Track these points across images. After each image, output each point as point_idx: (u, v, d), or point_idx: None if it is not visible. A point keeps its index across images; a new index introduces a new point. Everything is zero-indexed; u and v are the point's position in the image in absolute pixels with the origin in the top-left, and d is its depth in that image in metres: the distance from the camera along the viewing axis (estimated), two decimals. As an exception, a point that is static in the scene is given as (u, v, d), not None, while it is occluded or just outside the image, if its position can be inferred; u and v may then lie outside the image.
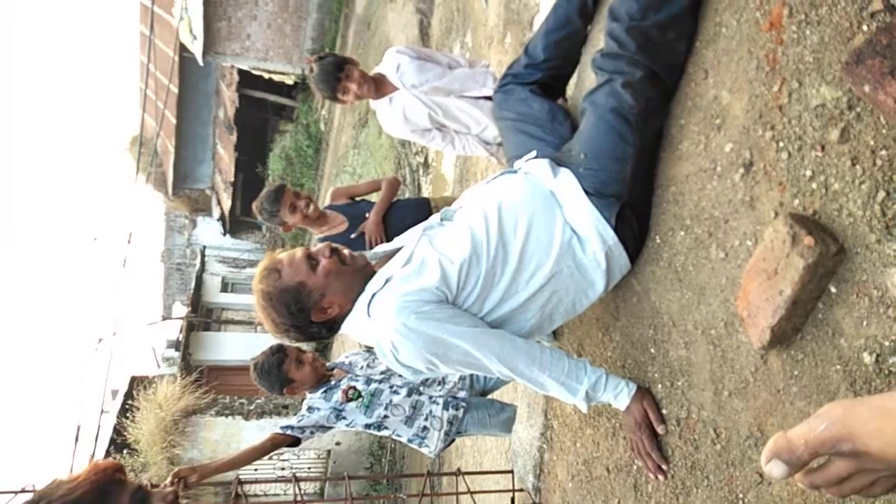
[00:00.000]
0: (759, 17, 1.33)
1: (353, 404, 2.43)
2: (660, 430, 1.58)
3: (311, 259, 1.63)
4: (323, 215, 2.99)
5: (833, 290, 1.15)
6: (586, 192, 1.60)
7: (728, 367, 1.38)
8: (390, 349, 1.55)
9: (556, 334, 2.19)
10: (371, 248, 2.80)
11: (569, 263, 1.61)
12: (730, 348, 1.37)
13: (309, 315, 1.62)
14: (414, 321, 1.50)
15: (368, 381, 2.47)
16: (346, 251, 1.69)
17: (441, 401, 2.47)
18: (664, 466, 1.57)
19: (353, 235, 2.94)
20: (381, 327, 1.54)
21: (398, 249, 1.75)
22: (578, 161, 1.63)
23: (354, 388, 2.45)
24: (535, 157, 1.76)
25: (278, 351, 2.50)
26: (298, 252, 1.64)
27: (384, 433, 2.48)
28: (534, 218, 1.62)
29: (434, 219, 1.78)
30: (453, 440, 2.54)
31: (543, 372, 1.56)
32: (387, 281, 1.60)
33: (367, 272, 1.68)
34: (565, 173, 1.65)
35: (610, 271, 1.65)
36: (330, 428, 2.49)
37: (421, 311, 1.52)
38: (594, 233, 1.60)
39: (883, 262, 1.06)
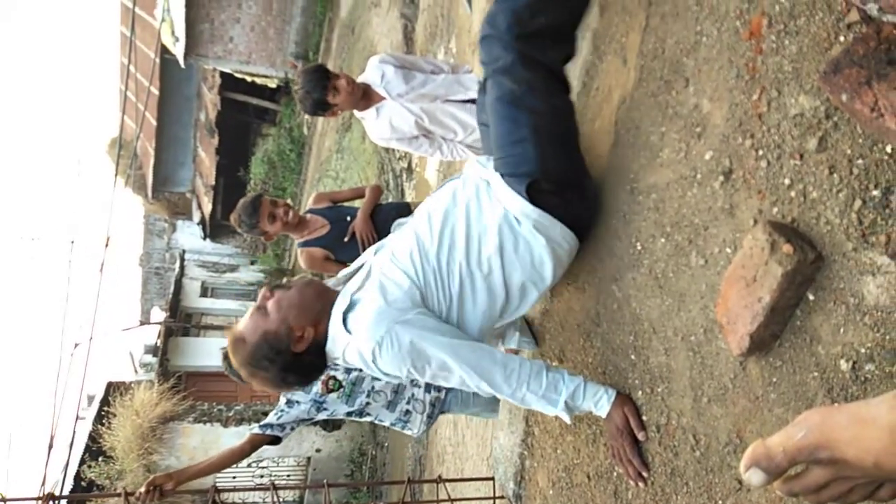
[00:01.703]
0: (738, 27, 1.34)
1: (333, 395, 2.40)
2: (640, 436, 1.57)
3: (261, 309, 1.66)
4: (303, 220, 2.98)
5: (811, 297, 1.16)
6: (502, 175, 1.69)
7: (707, 374, 1.38)
8: (371, 357, 1.57)
9: (537, 340, 2.19)
10: (364, 247, 2.80)
11: (509, 237, 1.67)
12: (709, 355, 1.38)
13: (290, 351, 1.63)
14: (397, 329, 1.55)
15: (348, 371, 2.45)
16: (292, 280, 1.73)
17: (423, 383, 2.47)
18: (645, 473, 1.57)
19: (345, 238, 2.93)
20: (363, 337, 1.57)
21: (356, 271, 1.80)
22: (495, 153, 1.73)
23: (335, 378, 2.43)
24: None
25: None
26: (250, 311, 1.68)
27: (366, 419, 2.48)
28: (470, 204, 1.72)
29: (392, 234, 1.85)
30: (436, 419, 2.54)
31: (522, 385, 1.57)
32: (352, 298, 1.65)
33: (322, 289, 1.72)
34: (490, 164, 1.75)
35: (552, 245, 1.69)
36: (311, 420, 2.47)
37: (403, 319, 1.56)
38: (518, 209, 1.66)
39: (860, 269, 1.07)
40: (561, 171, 1.71)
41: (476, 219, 1.70)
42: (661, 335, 1.53)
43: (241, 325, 1.67)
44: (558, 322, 2.06)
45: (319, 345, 1.66)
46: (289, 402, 2.43)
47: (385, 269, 1.70)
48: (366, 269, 1.75)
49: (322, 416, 2.42)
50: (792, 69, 1.20)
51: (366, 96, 2.73)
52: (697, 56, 1.46)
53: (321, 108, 2.71)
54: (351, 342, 1.60)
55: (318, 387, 2.42)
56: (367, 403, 2.41)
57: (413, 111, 2.70)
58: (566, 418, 1.60)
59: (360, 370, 2.44)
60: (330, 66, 2.88)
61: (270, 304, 1.65)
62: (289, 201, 2.98)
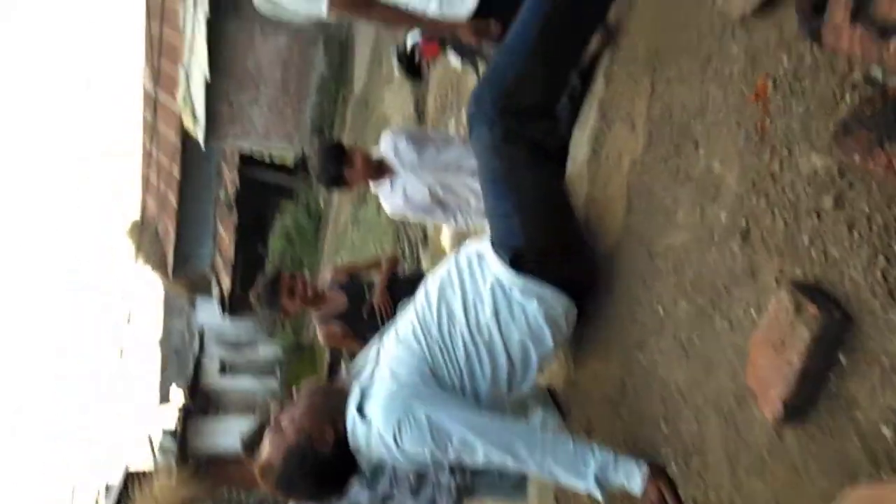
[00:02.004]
0: (744, 89, 1.35)
1: (356, 487, 2.33)
2: None
3: (276, 430, 1.65)
4: (322, 295, 2.98)
5: (843, 359, 1.11)
6: (492, 244, 1.76)
7: (743, 444, 1.32)
8: (394, 442, 1.55)
9: (563, 412, 2.13)
10: (382, 320, 2.79)
11: (503, 301, 1.71)
12: (743, 423, 1.32)
13: (318, 457, 1.61)
14: (412, 408, 1.55)
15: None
16: (298, 392, 1.74)
17: (447, 468, 2.39)
18: None
19: (364, 314, 2.93)
20: (382, 422, 1.56)
21: (365, 363, 1.82)
22: (488, 224, 1.81)
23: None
24: None
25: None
26: (268, 436, 1.67)
27: None
28: (464, 275, 1.78)
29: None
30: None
31: (547, 456, 1.52)
32: (363, 391, 1.65)
33: (328, 391, 1.74)
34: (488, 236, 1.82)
35: (544, 307, 1.70)
36: None
37: (417, 397, 1.57)
38: (506, 277, 1.71)
39: (890, 329, 1.03)
40: (547, 241, 1.76)
41: (471, 288, 1.75)
42: (691, 404, 1.48)
43: (263, 453, 1.65)
44: (584, 392, 2.01)
45: (342, 444, 1.64)
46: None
47: (392, 352, 1.72)
48: (374, 358, 1.77)
49: None
50: (801, 129, 1.20)
51: (380, 170, 2.80)
52: (705, 119, 1.47)
53: (337, 182, 2.79)
54: (372, 431, 1.58)
55: None
56: (391, 496, 2.34)
57: (427, 182, 2.75)
58: (598, 495, 1.53)
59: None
60: (345, 140, 2.98)
61: (285, 421, 1.65)
62: (307, 276, 2.98)
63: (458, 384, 1.68)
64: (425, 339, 1.69)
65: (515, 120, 1.67)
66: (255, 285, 2.94)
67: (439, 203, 2.86)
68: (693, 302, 1.48)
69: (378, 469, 2.36)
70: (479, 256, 1.80)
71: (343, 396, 1.68)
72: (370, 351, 1.86)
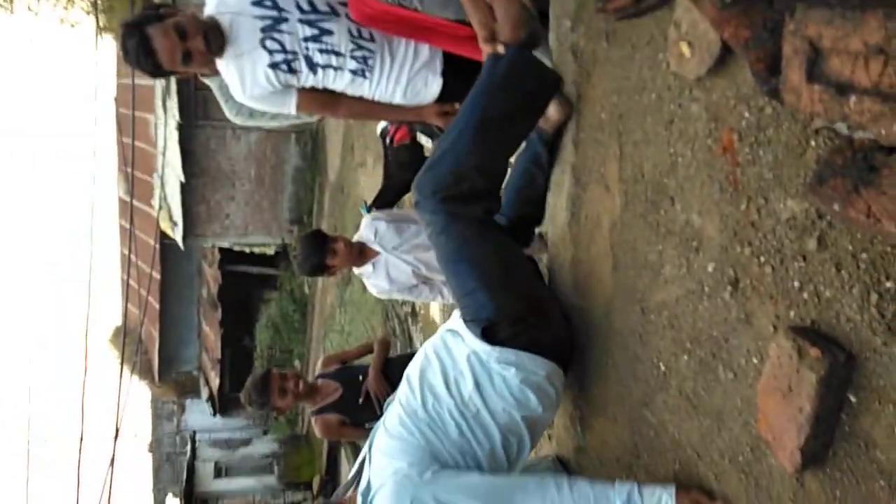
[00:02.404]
0: (710, 144, 1.39)
1: None
2: None
3: None
4: (314, 387, 2.93)
5: (853, 399, 1.10)
6: (464, 321, 1.79)
7: (765, 497, 1.29)
8: None
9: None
10: (380, 404, 2.74)
11: (482, 373, 1.72)
12: (762, 475, 1.29)
13: None
14: (420, 494, 1.53)
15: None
16: None
17: None
18: None
19: (360, 400, 2.87)
20: None
21: (358, 474, 1.81)
22: (458, 304, 1.85)
23: None
24: None
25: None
26: None
27: None
28: (441, 354, 1.82)
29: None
30: None
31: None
32: (366, 499, 1.63)
33: None
34: (458, 313, 1.85)
35: (524, 374, 1.71)
36: None
37: (421, 482, 1.55)
38: (480, 349, 1.73)
39: (895, 363, 1.03)
40: (517, 306, 1.78)
41: (450, 365, 1.78)
42: (706, 460, 1.44)
43: None
44: (595, 458, 1.95)
45: None
46: None
47: (384, 448, 1.71)
48: (367, 462, 1.75)
49: None
50: (773, 176, 1.23)
51: (362, 254, 2.82)
52: (677, 175, 1.51)
53: (320, 270, 2.78)
54: None
55: None
56: None
57: (409, 262, 2.76)
58: None
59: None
60: (324, 226, 3.01)
61: None
62: (297, 371, 2.93)
63: (459, 461, 1.67)
64: (414, 424, 1.70)
65: (455, 204, 1.74)
66: (246, 387, 2.88)
67: (424, 281, 2.86)
68: (693, 354, 1.47)
69: None
70: (454, 333, 1.83)
71: None
72: (363, 455, 1.83)
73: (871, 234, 1.02)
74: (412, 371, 1.85)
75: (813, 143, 1.14)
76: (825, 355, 1.08)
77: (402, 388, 1.83)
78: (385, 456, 1.68)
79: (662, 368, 1.59)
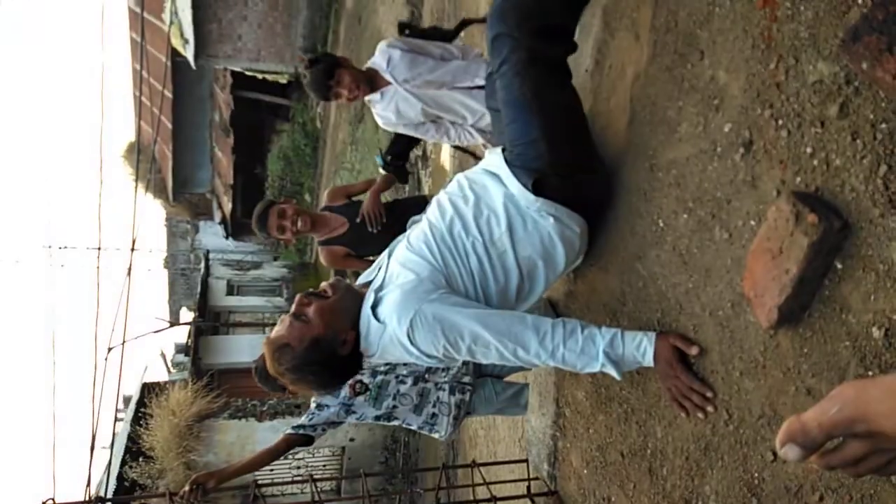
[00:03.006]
0: (752, -5, 1.31)
1: (361, 398, 2.45)
2: (693, 351, 1.49)
3: (300, 317, 1.69)
4: (320, 219, 2.97)
5: (839, 266, 1.15)
6: (511, 165, 1.75)
7: (738, 348, 1.38)
8: (408, 340, 1.61)
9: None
10: (373, 227, 2.82)
11: (517, 217, 1.73)
12: (738, 329, 1.37)
13: (335, 356, 1.69)
14: (425, 306, 1.60)
15: (374, 374, 2.49)
16: (322, 285, 1.78)
17: (447, 386, 2.50)
18: (709, 394, 1.46)
19: (357, 219, 2.92)
20: (396, 322, 1.62)
21: (377, 272, 1.85)
22: (508, 147, 1.78)
23: (361, 381, 2.47)
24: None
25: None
26: (287, 320, 1.71)
27: (394, 423, 2.51)
28: (476, 189, 1.80)
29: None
30: (462, 421, 2.57)
31: (558, 346, 1.57)
32: (377, 295, 1.70)
33: (353, 292, 1.78)
34: (500, 154, 1.80)
35: (560, 226, 1.74)
36: (341, 423, 2.52)
37: (430, 298, 1.62)
38: (524, 197, 1.72)
39: (888, 235, 1.06)
40: (571, 161, 1.75)
41: (485, 203, 1.77)
42: (688, 312, 1.53)
43: (281, 333, 1.69)
44: (583, 303, 2.06)
45: (356, 348, 1.72)
46: (318, 406, 2.48)
47: (403, 260, 1.75)
48: (385, 266, 1.80)
49: (351, 419, 2.47)
50: (809, 35, 1.18)
51: (372, 81, 2.72)
52: (711, 27, 1.44)
53: (328, 95, 2.72)
54: (386, 332, 1.64)
55: (345, 390, 2.46)
56: (394, 407, 2.45)
57: (420, 97, 2.68)
58: (614, 373, 1.56)
59: (385, 373, 2.48)
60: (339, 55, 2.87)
61: (311, 312, 1.69)
62: (297, 206, 2.93)
63: (470, 292, 1.73)
64: (437, 246, 1.73)
65: (540, 41, 1.62)
66: (253, 215, 2.93)
67: (433, 120, 2.80)
68: (693, 213, 1.50)
69: (382, 388, 2.46)
70: (492, 174, 1.81)
71: (356, 297, 1.75)
72: (379, 262, 1.89)
73: (894, 96, 1.00)
74: (443, 196, 1.86)
75: (860, 1, 1.07)
76: (821, 221, 1.11)
77: (432, 211, 1.85)
78: (402, 267, 1.73)
79: (661, 225, 1.62)
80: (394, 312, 1.62)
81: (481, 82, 2.63)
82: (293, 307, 1.72)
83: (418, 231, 1.82)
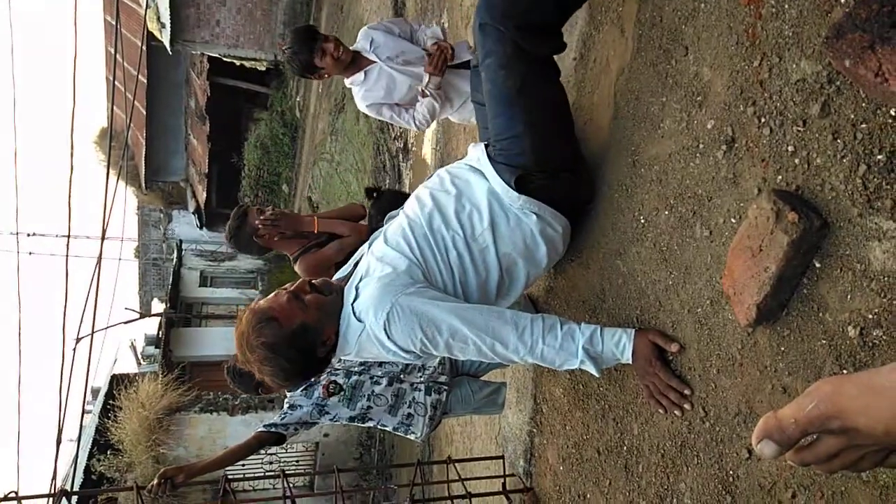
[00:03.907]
0: (737, -8, 1.31)
1: (335, 399, 2.42)
2: (673, 348, 1.49)
3: (299, 298, 1.63)
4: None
5: (817, 265, 1.15)
6: (494, 161, 1.72)
7: (715, 345, 1.38)
8: (385, 335, 1.57)
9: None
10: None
11: (500, 213, 1.71)
12: (716, 326, 1.38)
13: (315, 353, 1.64)
14: (402, 299, 1.57)
15: (349, 374, 2.46)
16: (320, 281, 1.72)
17: (423, 386, 2.47)
18: (686, 391, 1.47)
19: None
20: (372, 317, 1.58)
21: (355, 267, 1.82)
22: (492, 142, 1.75)
23: (335, 382, 2.44)
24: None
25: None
26: (283, 295, 1.63)
27: (369, 424, 2.48)
28: (458, 183, 1.77)
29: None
30: (439, 422, 2.55)
31: (537, 341, 1.55)
32: (357, 289, 1.66)
33: (341, 292, 1.73)
34: (483, 149, 1.77)
35: (542, 224, 1.72)
36: (314, 423, 2.48)
37: (407, 291, 1.59)
38: (506, 195, 1.70)
39: (865, 235, 1.06)
40: (555, 159, 1.73)
41: (467, 198, 1.74)
42: (667, 309, 1.53)
43: (275, 305, 1.61)
44: (563, 299, 2.06)
45: (333, 349, 1.68)
46: (291, 406, 2.44)
47: (380, 254, 1.72)
48: (364, 262, 1.77)
49: (325, 420, 2.43)
50: (793, 34, 1.18)
51: (354, 63, 2.68)
52: (696, 23, 1.43)
53: (308, 69, 2.65)
54: (364, 331, 1.61)
55: (318, 391, 2.42)
56: (369, 408, 2.42)
57: (407, 74, 2.66)
58: (592, 370, 1.55)
59: (360, 373, 2.45)
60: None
61: (310, 299, 1.63)
62: (274, 215, 2.67)
63: (449, 287, 1.70)
64: (416, 240, 1.69)
65: (526, 37, 1.58)
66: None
67: (413, 99, 2.75)
68: (675, 210, 1.50)
69: (357, 388, 2.43)
70: (476, 170, 1.78)
71: (342, 299, 1.70)
72: (357, 257, 1.86)
73: (875, 95, 1.00)
74: (423, 191, 1.82)
75: (842, 0, 1.08)
76: (801, 220, 1.11)
77: (411, 205, 1.81)
78: (379, 261, 1.70)
79: (642, 221, 1.62)
80: (370, 306, 1.59)
81: (467, 58, 2.61)
82: (293, 285, 1.66)
83: (396, 225, 1.79)
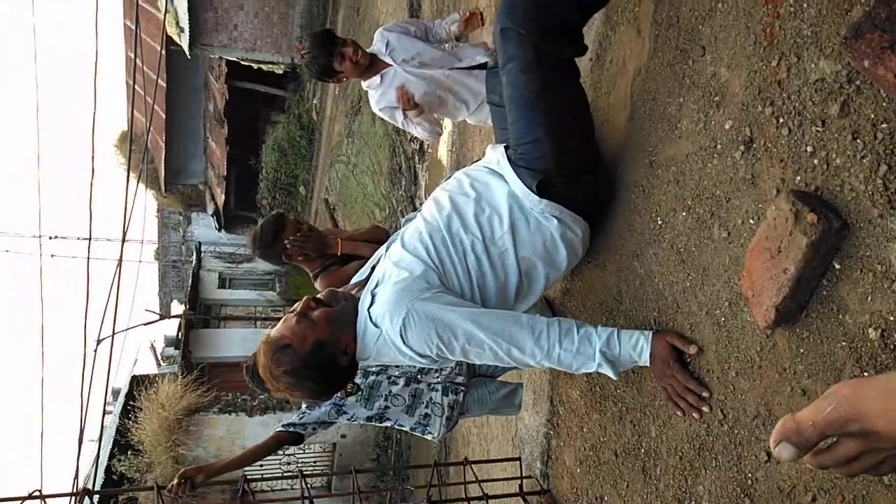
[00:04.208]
0: (755, -9, 1.30)
1: (352, 398, 2.43)
2: (691, 350, 1.47)
3: (306, 318, 1.63)
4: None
5: (837, 266, 1.14)
6: (515, 165, 1.71)
7: (734, 348, 1.37)
8: (401, 340, 1.57)
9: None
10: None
11: (520, 217, 1.70)
12: (735, 328, 1.37)
13: (335, 363, 1.64)
14: (418, 305, 1.56)
15: (366, 374, 2.47)
16: (325, 294, 1.72)
17: (440, 387, 2.48)
18: (704, 394, 1.46)
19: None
20: (388, 322, 1.58)
21: (371, 272, 1.81)
22: (511, 145, 1.73)
23: (353, 382, 2.45)
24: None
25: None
26: (292, 319, 1.64)
27: (386, 424, 2.49)
28: (479, 187, 1.76)
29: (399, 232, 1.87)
30: (456, 422, 2.55)
31: (554, 346, 1.54)
32: (373, 295, 1.66)
33: (352, 299, 1.73)
34: (502, 152, 1.76)
35: (563, 228, 1.72)
36: (332, 423, 2.49)
37: (422, 297, 1.58)
38: (527, 198, 1.69)
39: (886, 236, 1.05)
40: (575, 162, 1.72)
41: (486, 201, 1.73)
42: (685, 311, 1.52)
43: (285, 331, 1.63)
44: (580, 301, 2.05)
45: (353, 358, 1.68)
46: (309, 406, 2.45)
47: (396, 258, 1.71)
48: (381, 267, 1.77)
49: (343, 419, 2.44)
50: (811, 33, 1.17)
51: (371, 66, 2.71)
52: (713, 23, 1.43)
53: (326, 73, 2.68)
54: (381, 335, 1.61)
55: None
56: (386, 407, 2.42)
57: (422, 77, 2.68)
58: (610, 373, 1.54)
59: (377, 373, 2.46)
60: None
61: (318, 315, 1.64)
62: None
63: (466, 289, 1.69)
64: (433, 244, 1.69)
65: (547, 39, 1.56)
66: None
67: (433, 100, 2.77)
68: (692, 211, 1.49)
69: (374, 388, 2.44)
70: (496, 173, 1.77)
71: (357, 305, 1.70)
72: (373, 261, 1.87)
73: (894, 96, 0.99)
74: (441, 193, 1.81)
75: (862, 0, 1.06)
76: (820, 221, 1.10)
77: (429, 206, 1.80)
78: (395, 266, 1.69)
79: (659, 222, 1.61)
80: (386, 311, 1.58)
81: (482, 60, 2.63)
82: (298, 306, 1.67)
83: (413, 229, 1.78)
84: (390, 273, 1.69)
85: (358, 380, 2.45)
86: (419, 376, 2.48)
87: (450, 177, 1.90)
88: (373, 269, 1.83)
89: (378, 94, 2.77)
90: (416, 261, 1.67)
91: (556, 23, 1.57)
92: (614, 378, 1.58)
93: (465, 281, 1.69)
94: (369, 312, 1.64)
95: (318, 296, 1.71)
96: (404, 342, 1.57)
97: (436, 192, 1.87)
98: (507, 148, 1.76)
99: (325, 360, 1.62)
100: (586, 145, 1.75)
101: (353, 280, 1.88)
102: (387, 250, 1.83)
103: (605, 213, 1.86)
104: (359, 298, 1.72)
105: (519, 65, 1.59)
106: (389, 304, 1.59)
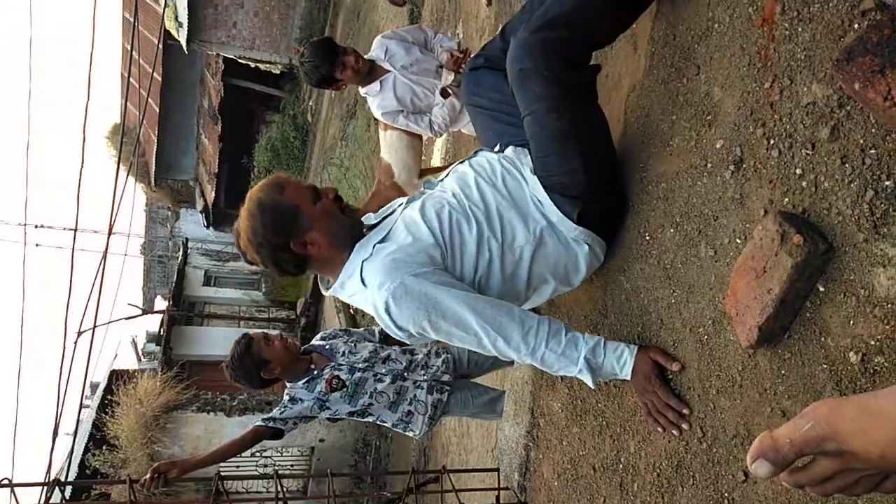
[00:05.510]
0: (751, 13, 1.32)
1: (337, 394, 2.41)
2: (674, 366, 1.47)
3: (316, 193, 1.65)
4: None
5: (821, 288, 1.14)
6: (550, 190, 1.65)
7: (716, 366, 1.37)
8: (384, 308, 1.52)
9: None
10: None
11: (550, 237, 1.65)
12: (717, 347, 1.37)
13: (289, 241, 1.63)
14: (410, 280, 1.51)
15: (352, 371, 2.45)
16: (349, 203, 1.72)
17: (425, 385, 2.47)
18: (685, 411, 1.45)
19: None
20: (377, 289, 1.53)
21: (384, 219, 1.77)
22: (540, 171, 1.66)
23: (338, 377, 2.43)
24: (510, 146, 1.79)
25: (243, 337, 2.47)
26: (306, 183, 1.66)
27: (368, 419, 2.48)
28: (513, 186, 1.69)
29: (418, 191, 1.81)
30: (438, 420, 2.55)
31: (540, 344, 1.52)
32: (374, 248, 1.61)
33: (357, 230, 1.70)
34: (531, 172, 1.69)
35: (592, 255, 1.70)
36: (313, 418, 2.47)
37: (417, 272, 1.53)
38: (561, 223, 1.66)
39: (870, 261, 1.06)
40: (607, 189, 1.69)
41: (516, 202, 1.68)
42: (668, 327, 1.52)
43: (293, 180, 1.67)
44: (565, 313, 2.05)
45: (308, 262, 1.68)
46: (292, 399, 2.43)
47: (410, 220, 1.65)
48: (392, 219, 1.71)
49: (325, 414, 2.42)
50: (805, 57, 1.18)
51: (371, 73, 2.75)
52: (709, 43, 1.44)
53: (327, 82, 2.71)
54: (364, 293, 1.57)
55: (321, 385, 2.41)
56: (370, 404, 2.41)
57: (420, 84, 2.72)
58: (589, 381, 1.53)
59: (364, 370, 2.44)
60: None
61: (324, 203, 1.66)
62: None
63: (467, 281, 1.63)
64: (450, 225, 1.62)
65: (569, 70, 1.53)
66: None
67: (423, 111, 2.80)
68: (680, 229, 1.50)
69: (360, 385, 2.42)
70: (523, 175, 1.71)
71: (355, 236, 1.68)
72: (391, 208, 1.80)
73: (884, 120, 1.00)
74: (467, 171, 1.74)
75: (856, 25, 1.08)
76: (806, 243, 1.11)
77: (453, 183, 1.73)
78: (406, 227, 1.64)
79: (647, 238, 1.62)
80: (377, 275, 1.54)
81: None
82: (323, 188, 1.70)
83: (437, 199, 1.69)
84: (398, 233, 1.64)
85: (344, 376, 2.43)
86: (405, 374, 2.48)
87: (474, 154, 1.83)
88: (385, 217, 1.77)
89: (378, 100, 2.79)
90: (428, 233, 1.61)
91: (576, 46, 1.54)
92: (592, 387, 1.57)
93: (470, 272, 1.63)
94: (363, 265, 1.59)
95: (346, 201, 1.72)
96: (387, 311, 1.52)
97: (463, 167, 1.79)
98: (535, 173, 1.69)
99: (285, 224, 1.61)
100: (613, 166, 1.73)
101: (372, 218, 1.80)
102: (406, 205, 1.75)
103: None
104: (363, 237, 1.68)
105: (545, 105, 1.54)
106: (384, 270, 1.54)
